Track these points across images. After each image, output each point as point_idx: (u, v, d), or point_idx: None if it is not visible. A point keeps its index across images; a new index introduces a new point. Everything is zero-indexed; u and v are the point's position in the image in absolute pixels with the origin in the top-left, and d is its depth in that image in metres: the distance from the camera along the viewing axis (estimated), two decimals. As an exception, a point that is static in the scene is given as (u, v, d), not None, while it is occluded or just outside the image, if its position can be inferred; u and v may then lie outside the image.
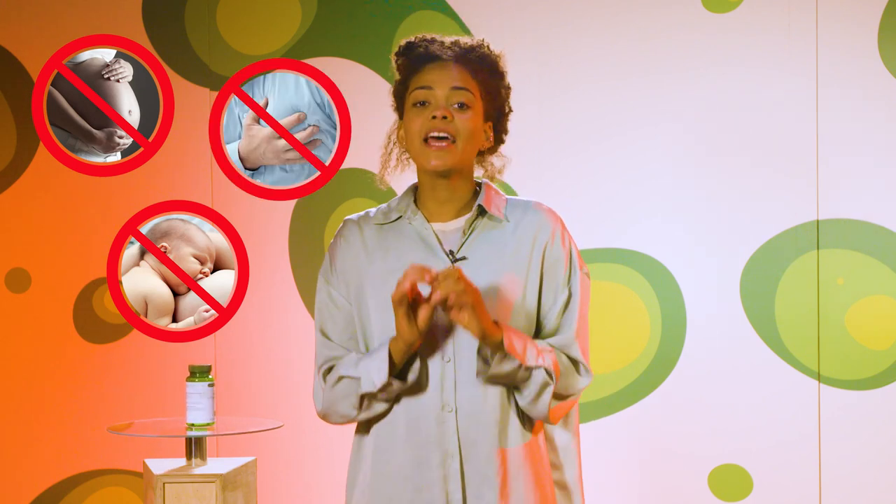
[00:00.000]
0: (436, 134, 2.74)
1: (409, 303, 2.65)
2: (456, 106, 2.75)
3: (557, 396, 2.76)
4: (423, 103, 2.76)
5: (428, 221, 2.80)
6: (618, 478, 4.77)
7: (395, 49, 2.85)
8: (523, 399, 2.75)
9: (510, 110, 2.87)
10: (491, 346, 2.68)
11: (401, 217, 2.82)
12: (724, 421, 4.73)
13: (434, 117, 2.73)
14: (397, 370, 2.72)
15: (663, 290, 4.76)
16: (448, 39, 2.81)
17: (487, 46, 2.83)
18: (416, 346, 2.70)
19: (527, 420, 2.78)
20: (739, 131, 4.71)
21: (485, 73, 2.80)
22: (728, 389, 4.73)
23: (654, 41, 4.74)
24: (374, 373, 2.72)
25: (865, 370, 4.70)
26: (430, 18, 4.79)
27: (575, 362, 2.81)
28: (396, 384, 2.72)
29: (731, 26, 4.73)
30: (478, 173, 2.88)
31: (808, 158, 4.70)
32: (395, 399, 2.76)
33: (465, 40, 2.82)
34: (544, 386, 2.73)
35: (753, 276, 4.73)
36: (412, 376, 2.72)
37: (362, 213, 2.89)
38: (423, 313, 2.66)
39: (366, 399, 2.76)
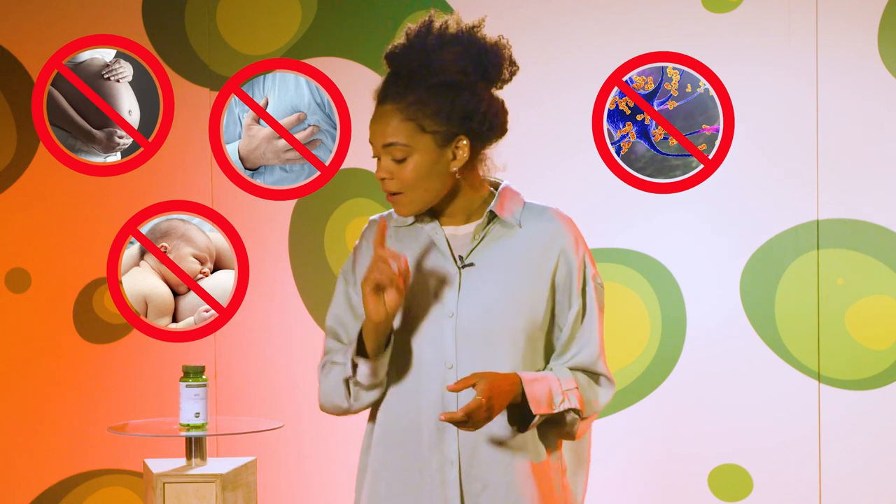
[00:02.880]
0: (386, 191, 2.75)
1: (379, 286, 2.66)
2: (392, 160, 2.72)
3: (583, 419, 2.78)
4: (377, 156, 2.76)
5: (441, 226, 2.78)
6: (618, 478, 4.77)
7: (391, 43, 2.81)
8: (549, 427, 2.76)
9: (501, 107, 2.77)
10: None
11: (415, 220, 2.80)
12: (724, 421, 4.73)
13: (383, 179, 2.74)
14: (374, 353, 2.72)
15: (663, 290, 4.76)
16: (414, 50, 2.74)
17: (449, 43, 2.72)
18: (383, 327, 2.69)
19: (535, 439, 2.78)
20: (739, 131, 4.71)
21: (432, 98, 2.71)
22: (728, 389, 4.73)
23: (654, 41, 4.74)
24: (349, 354, 2.74)
25: (865, 370, 4.70)
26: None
27: (597, 377, 2.81)
28: (362, 365, 2.71)
29: (731, 26, 4.73)
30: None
31: (808, 158, 4.70)
32: (396, 403, 2.76)
33: (425, 52, 2.72)
34: (572, 423, 2.75)
35: (753, 276, 4.73)
36: (381, 361, 2.71)
37: (385, 213, 2.87)
38: (392, 298, 2.65)
39: (351, 385, 2.77)
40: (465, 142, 2.73)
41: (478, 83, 2.74)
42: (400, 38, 2.79)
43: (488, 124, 2.75)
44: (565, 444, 2.83)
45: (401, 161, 2.71)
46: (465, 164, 2.74)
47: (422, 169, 2.71)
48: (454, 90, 2.72)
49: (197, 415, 4.06)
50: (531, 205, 2.82)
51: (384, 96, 2.75)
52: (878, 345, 4.70)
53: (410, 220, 2.80)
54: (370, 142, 2.75)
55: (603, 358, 2.81)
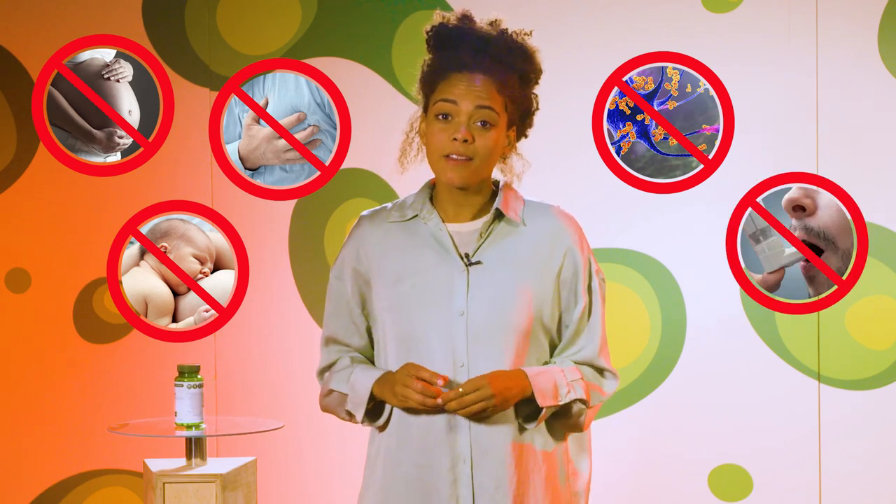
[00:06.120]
0: (455, 156, 2.73)
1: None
2: (478, 124, 2.73)
3: (589, 408, 2.80)
4: (445, 116, 2.73)
5: (444, 222, 2.79)
6: (618, 478, 4.77)
7: (431, 23, 2.85)
8: (557, 420, 2.78)
9: (538, 108, 2.86)
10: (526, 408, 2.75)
11: (416, 216, 2.80)
12: (724, 421, 4.73)
13: (455, 139, 2.72)
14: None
15: (663, 290, 4.76)
16: (484, 32, 2.79)
17: (524, 43, 2.81)
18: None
19: (544, 429, 2.79)
20: (739, 131, 4.71)
21: (514, 83, 2.78)
22: (728, 389, 4.73)
23: (654, 41, 4.74)
24: (354, 406, 2.79)
25: (865, 370, 4.70)
26: (430, 19, 4.78)
27: (601, 371, 2.83)
28: (369, 424, 2.81)
29: (731, 26, 4.73)
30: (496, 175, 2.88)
31: (808, 158, 4.70)
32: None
33: (499, 39, 2.80)
34: (578, 413, 2.78)
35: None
36: (384, 417, 2.78)
37: (378, 208, 2.87)
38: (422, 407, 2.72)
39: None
40: (513, 134, 2.81)
41: (532, 84, 2.83)
42: (459, 20, 2.83)
43: (528, 125, 2.84)
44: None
45: (486, 128, 2.73)
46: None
47: (498, 142, 2.76)
48: (526, 83, 2.81)
49: (193, 414, 4.06)
50: (532, 202, 2.84)
51: (473, 65, 2.75)
52: (878, 345, 4.70)
53: (409, 214, 2.81)
54: (453, 99, 2.73)
55: (606, 352, 2.84)
